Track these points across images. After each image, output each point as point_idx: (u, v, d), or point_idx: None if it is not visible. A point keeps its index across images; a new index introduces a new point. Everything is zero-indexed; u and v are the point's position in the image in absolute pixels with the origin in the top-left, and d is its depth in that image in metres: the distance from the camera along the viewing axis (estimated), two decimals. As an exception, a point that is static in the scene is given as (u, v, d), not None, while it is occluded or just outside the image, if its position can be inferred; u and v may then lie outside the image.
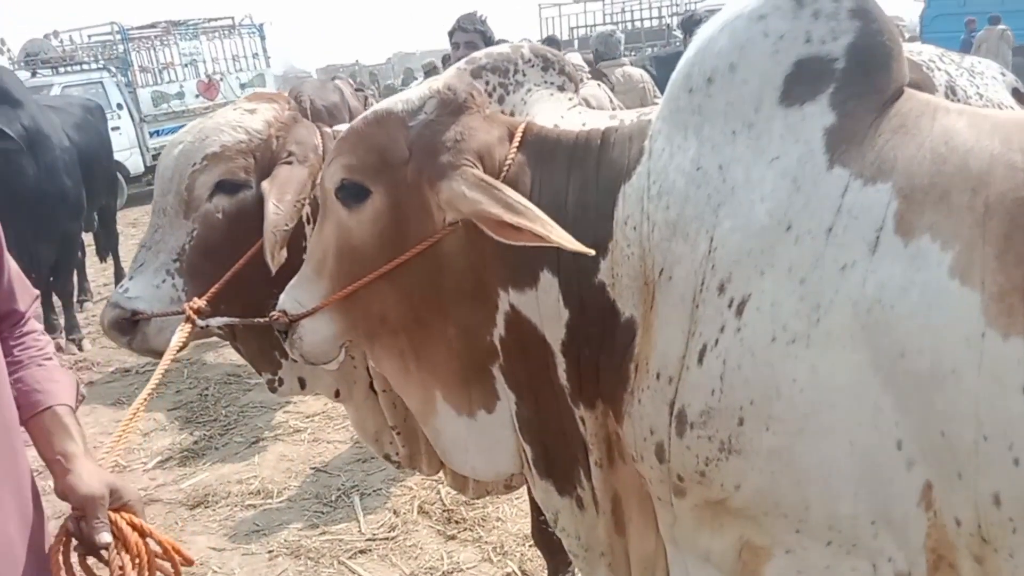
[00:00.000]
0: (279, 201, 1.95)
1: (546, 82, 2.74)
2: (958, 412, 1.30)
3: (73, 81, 13.90)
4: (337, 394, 2.39)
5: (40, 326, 1.64)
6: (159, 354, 2.03)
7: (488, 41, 4.76)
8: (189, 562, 1.61)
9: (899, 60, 1.48)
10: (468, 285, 1.68)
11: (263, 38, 17.85)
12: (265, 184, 2.01)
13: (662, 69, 8.97)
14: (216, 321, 1.97)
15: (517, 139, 1.67)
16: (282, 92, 2.46)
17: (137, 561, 1.49)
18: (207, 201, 2.08)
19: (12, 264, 1.54)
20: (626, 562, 1.86)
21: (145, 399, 1.72)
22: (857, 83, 1.44)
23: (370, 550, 3.43)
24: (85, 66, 15.36)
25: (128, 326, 2.07)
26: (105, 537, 1.43)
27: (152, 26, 16.92)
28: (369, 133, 1.70)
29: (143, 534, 1.51)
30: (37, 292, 1.65)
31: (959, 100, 2.67)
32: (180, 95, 16.04)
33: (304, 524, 3.68)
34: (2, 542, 1.40)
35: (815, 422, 1.38)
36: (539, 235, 1.46)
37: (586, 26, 20.55)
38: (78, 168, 6.50)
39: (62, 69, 15.19)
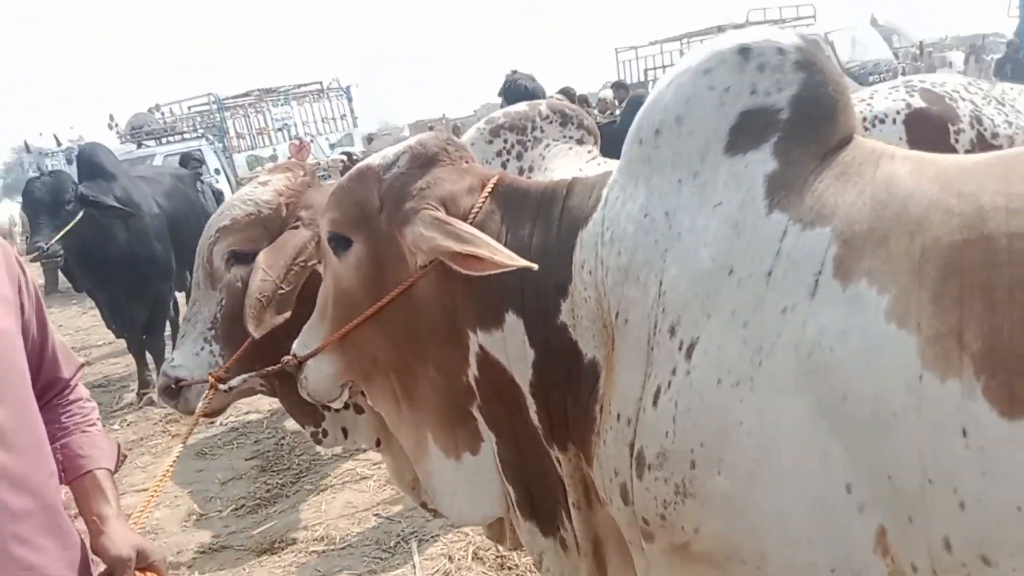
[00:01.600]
0: (269, 267, 2.08)
1: (565, 136, 2.84)
2: (902, 456, 1.28)
3: (174, 150, 14.78)
4: (378, 443, 2.49)
5: (86, 393, 1.78)
6: (205, 415, 2.26)
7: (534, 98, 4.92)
8: None
9: (845, 111, 1.50)
10: (441, 327, 1.76)
11: (350, 100, 18.64)
12: (261, 253, 2.15)
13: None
14: (235, 381, 2.12)
15: (488, 188, 1.77)
16: (299, 161, 2.63)
17: None
18: (227, 272, 2.25)
19: (56, 335, 1.70)
20: None
21: (172, 464, 1.90)
22: (801, 132, 1.47)
23: (423, 596, 3.49)
24: (186, 135, 16.34)
25: (175, 392, 2.28)
26: None
27: (246, 95, 17.90)
28: (351, 188, 1.84)
29: None
30: (81, 362, 1.80)
31: (985, 129, 2.64)
32: (274, 157, 16.81)
33: (363, 570, 3.77)
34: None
35: (765, 468, 1.38)
36: (485, 258, 1.55)
37: (662, 67, 20.67)
38: (167, 233, 6.93)
39: (164, 139, 16.20)
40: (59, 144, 18.32)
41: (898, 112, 2.75)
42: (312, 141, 17.45)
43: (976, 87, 2.81)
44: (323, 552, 3.99)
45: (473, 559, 3.69)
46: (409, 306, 1.75)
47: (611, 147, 2.86)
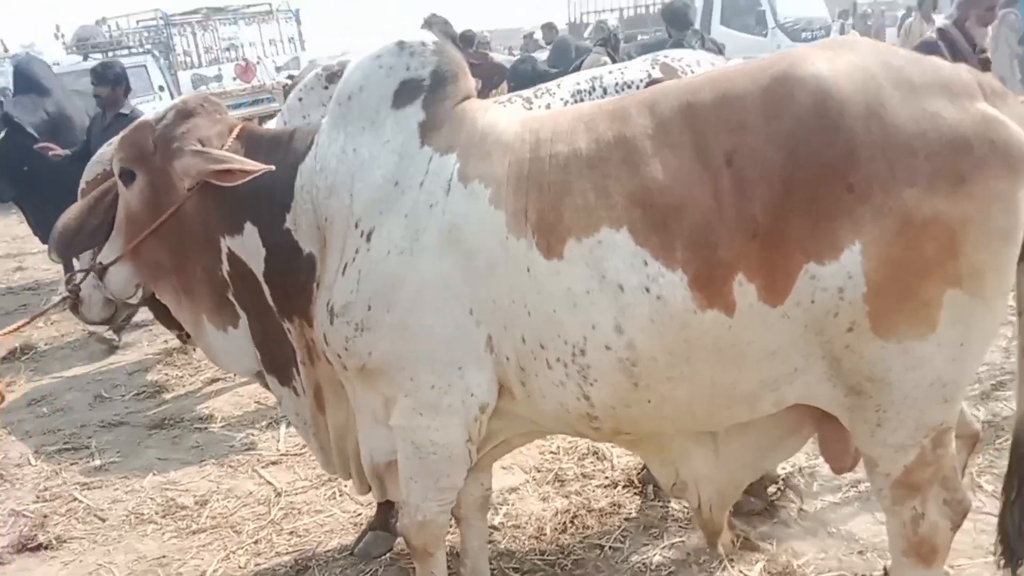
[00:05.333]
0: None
1: None
2: (500, 287, 2.08)
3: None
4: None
5: None
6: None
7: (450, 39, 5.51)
8: None
9: (463, 79, 2.28)
10: (201, 235, 2.46)
11: (299, 23, 18.74)
12: None
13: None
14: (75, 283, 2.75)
15: (235, 134, 2.47)
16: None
17: None
18: None
19: None
20: (327, 431, 2.67)
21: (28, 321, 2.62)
22: (437, 94, 2.24)
23: (281, 462, 4.21)
24: (132, 50, 16.39)
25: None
26: None
27: (194, 12, 17.92)
28: (132, 136, 2.52)
29: None
30: None
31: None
32: (219, 77, 17.01)
33: (236, 443, 4.48)
34: None
35: (419, 303, 2.15)
36: (238, 168, 2.27)
37: (612, 9, 21.05)
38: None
39: (110, 53, 16.24)
40: (6, 50, 18.23)
41: (641, 80, 3.45)
42: (259, 63, 17.65)
43: (708, 63, 3.50)
44: (205, 428, 4.70)
45: (328, 437, 4.41)
46: (179, 222, 2.45)
47: (523, 83, 3.57)
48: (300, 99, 3.47)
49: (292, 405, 2.70)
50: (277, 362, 2.62)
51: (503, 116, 2.23)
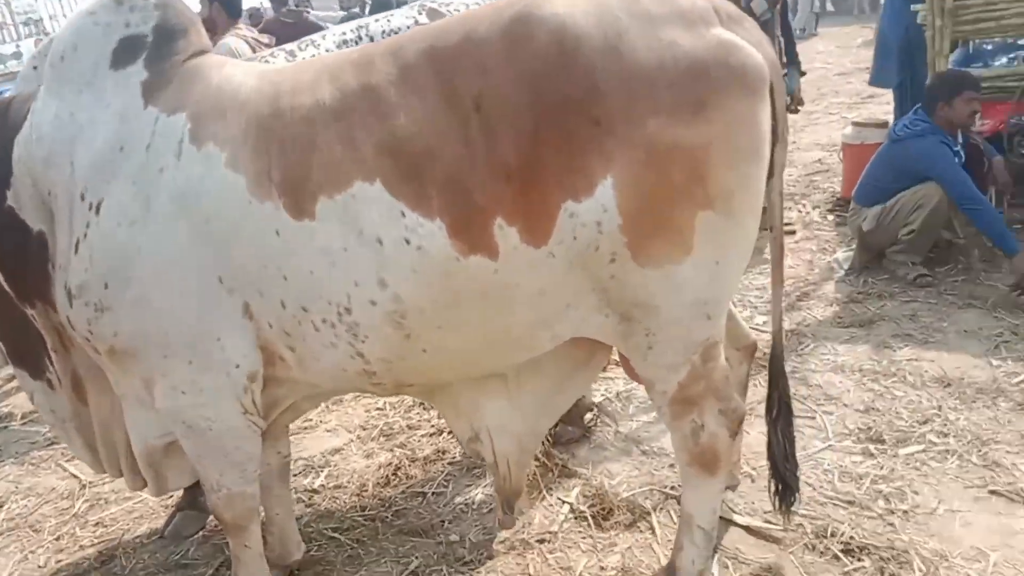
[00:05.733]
0: None
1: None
2: (248, 253, 1.94)
3: None
4: None
5: None
6: None
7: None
8: None
9: (194, 33, 2.10)
10: None
11: (105, -9, 17.47)
12: None
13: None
14: None
15: None
16: None
17: None
18: None
19: None
20: (91, 424, 2.45)
21: None
22: (162, 50, 2.06)
23: (88, 453, 3.94)
24: (-89, 30, 14.85)
25: None
26: None
27: (-19, -16, 16.41)
28: None
29: None
30: None
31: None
32: (18, 55, 15.67)
33: (39, 438, 4.16)
34: None
35: (160, 275, 1.98)
36: None
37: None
38: None
39: None
40: None
41: (407, 27, 3.34)
42: (63, 37, 16.35)
43: (475, 5, 3.43)
44: (4, 427, 4.35)
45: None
46: None
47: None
48: (35, 67, 3.14)
49: (46, 401, 2.47)
50: (24, 353, 2.39)
51: (240, 71, 2.07)
